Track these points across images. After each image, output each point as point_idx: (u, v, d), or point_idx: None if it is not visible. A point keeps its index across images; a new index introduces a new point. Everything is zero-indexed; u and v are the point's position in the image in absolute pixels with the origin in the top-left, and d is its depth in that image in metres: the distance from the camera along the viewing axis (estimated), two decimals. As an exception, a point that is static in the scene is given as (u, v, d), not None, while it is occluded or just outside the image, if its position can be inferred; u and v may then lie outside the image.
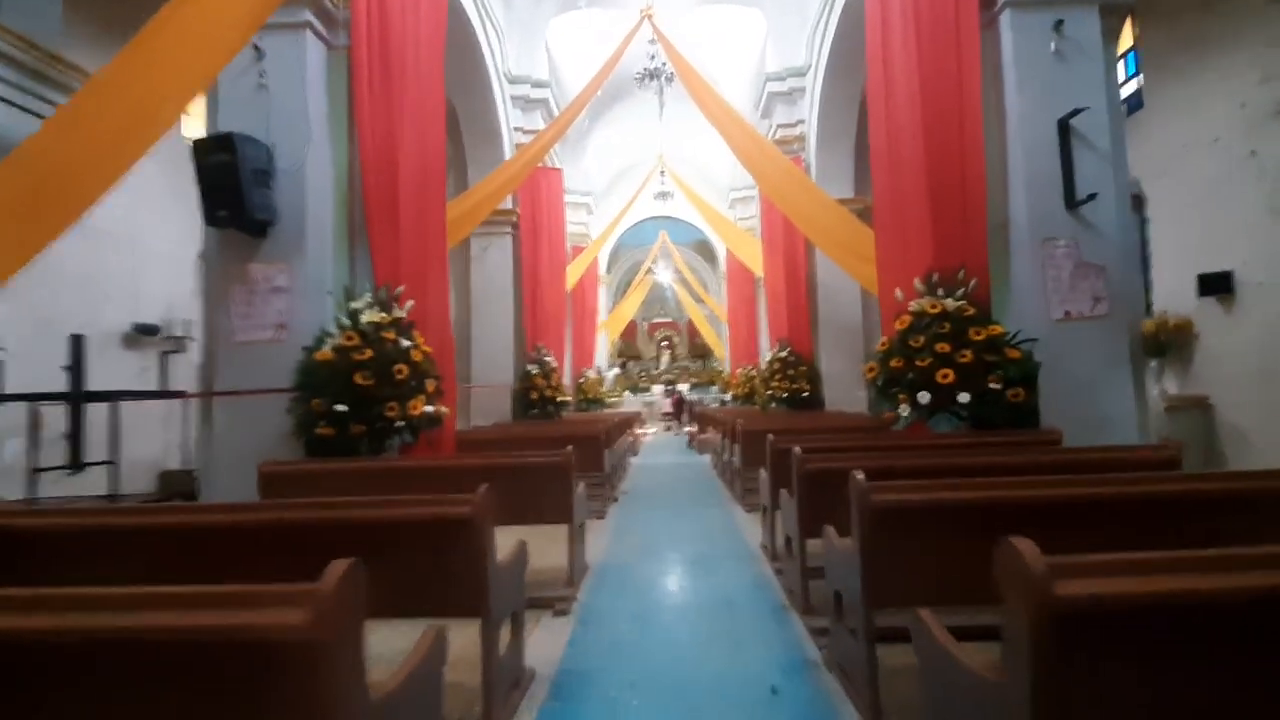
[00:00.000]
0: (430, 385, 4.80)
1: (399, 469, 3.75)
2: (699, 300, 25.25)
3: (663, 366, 27.15)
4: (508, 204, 10.54)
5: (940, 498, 2.08)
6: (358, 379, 4.43)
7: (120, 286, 7.25)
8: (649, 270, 23.48)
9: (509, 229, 10.58)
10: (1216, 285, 6.96)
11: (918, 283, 4.88)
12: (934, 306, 4.69)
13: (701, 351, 26.82)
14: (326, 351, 4.51)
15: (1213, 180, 7.08)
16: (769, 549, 4.27)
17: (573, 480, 3.71)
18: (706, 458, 11.10)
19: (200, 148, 4.38)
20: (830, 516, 3.06)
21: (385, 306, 4.81)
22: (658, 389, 24.70)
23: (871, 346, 10.91)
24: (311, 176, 4.80)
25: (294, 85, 4.81)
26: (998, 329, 4.58)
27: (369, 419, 4.45)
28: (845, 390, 10.21)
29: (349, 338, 4.54)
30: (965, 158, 4.88)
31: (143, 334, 7.27)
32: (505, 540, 2.60)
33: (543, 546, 4.31)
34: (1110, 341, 4.51)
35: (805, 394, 10.20)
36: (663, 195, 16.04)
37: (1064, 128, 4.63)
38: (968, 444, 3.92)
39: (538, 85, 10.94)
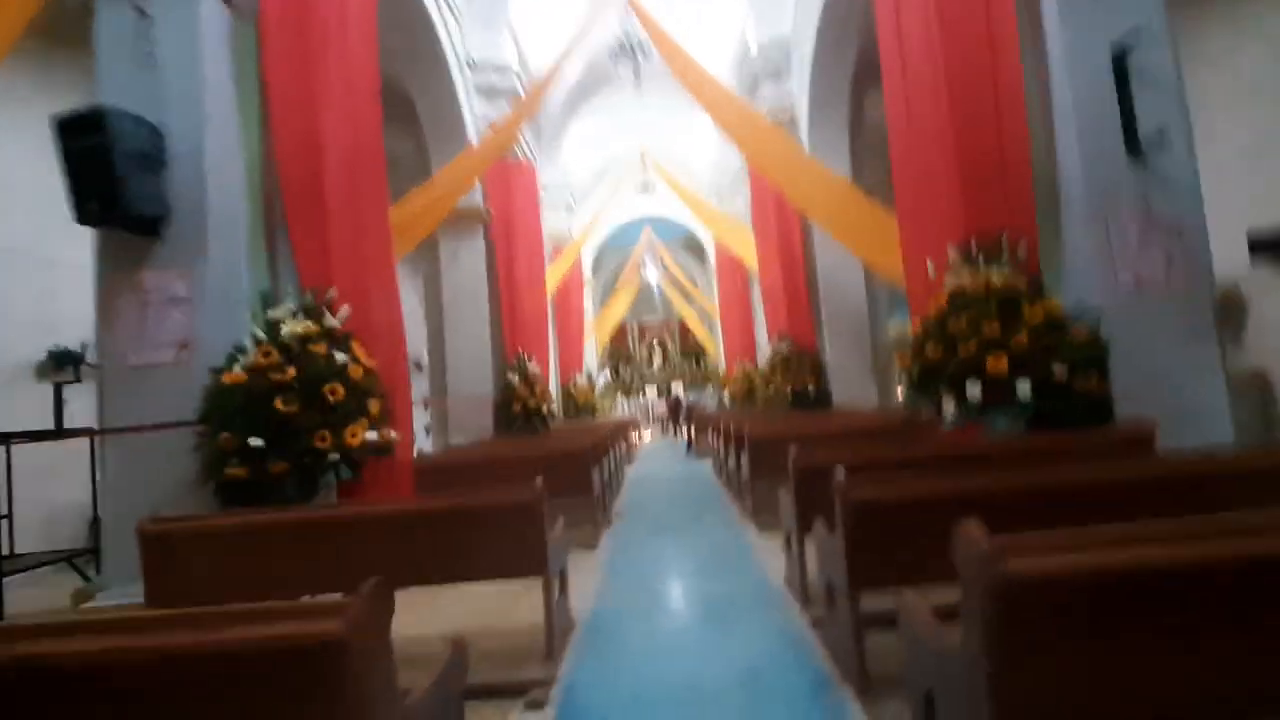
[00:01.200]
0: (374, 406, 3.95)
1: (322, 522, 2.91)
2: (689, 299, 24.48)
3: (655, 368, 26.33)
4: (478, 202, 9.71)
5: (1120, 564, 1.25)
6: (278, 404, 3.58)
7: (31, 310, 6.36)
8: (636, 268, 22.68)
9: (480, 229, 9.73)
10: (1269, 246, 6.20)
11: (953, 253, 4.09)
12: (977, 281, 3.89)
13: (695, 350, 26.03)
14: (237, 373, 3.65)
15: (1259, 133, 6.33)
16: (796, 587, 3.45)
17: (546, 521, 2.87)
18: (707, 463, 10.29)
19: (64, 128, 3.52)
20: (892, 563, 2.24)
21: (313, 314, 3.96)
22: (651, 391, 23.86)
23: (880, 336, 10.15)
24: (214, 164, 3.95)
25: (188, 56, 3.96)
26: (1055, 304, 3.79)
27: (294, 454, 3.59)
28: (854, 384, 9.43)
29: (265, 354, 3.69)
30: (1001, 100, 4.10)
31: (61, 363, 6.37)
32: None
33: (515, 600, 3.47)
34: (1191, 314, 3.72)
35: (811, 390, 9.41)
36: (646, 188, 15.23)
37: (1120, 60, 3.85)
38: (1052, 449, 3.12)
39: (502, 70, 10.11)
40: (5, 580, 4.75)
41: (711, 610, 3.42)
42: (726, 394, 17.23)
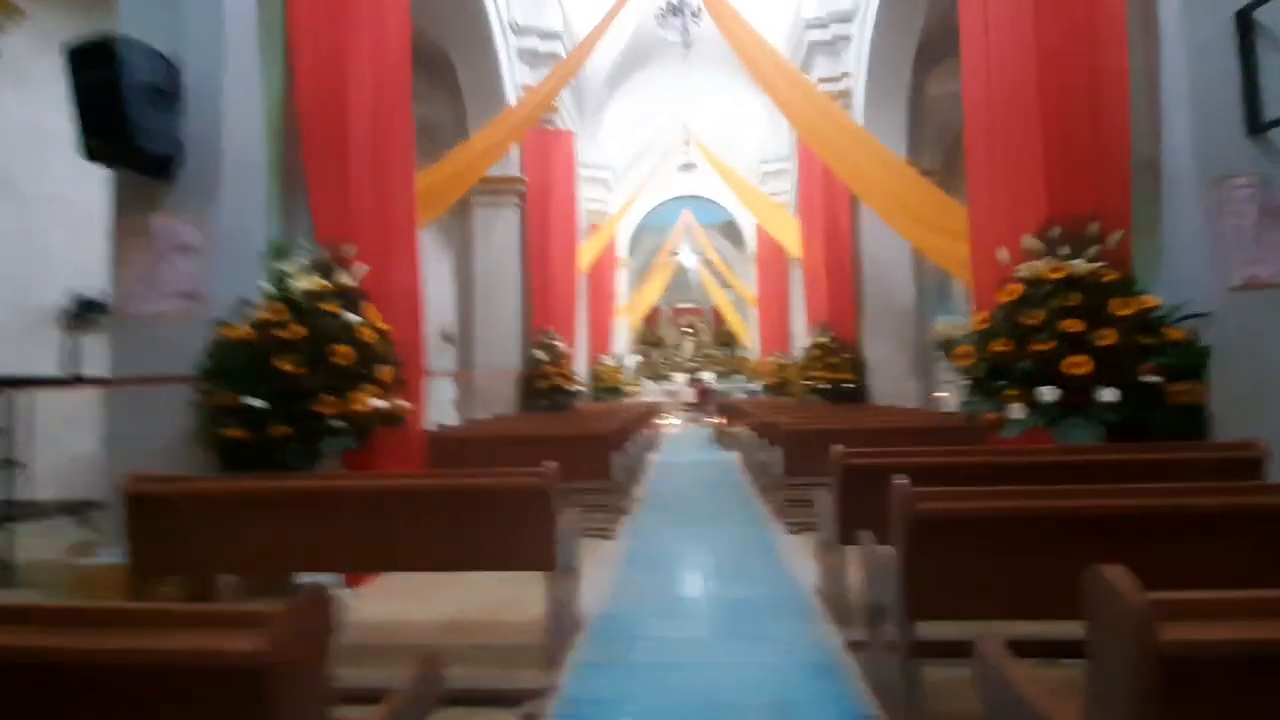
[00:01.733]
0: (384, 373, 3.70)
1: (313, 493, 2.66)
2: (725, 285, 23.94)
3: (686, 354, 25.92)
4: (514, 171, 9.42)
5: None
6: (282, 364, 3.35)
7: (67, 260, 6.30)
8: (672, 253, 22.22)
9: (515, 199, 9.46)
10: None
11: (1030, 239, 3.63)
12: (1057, 270, 3.44)
13: (727, 339, 25.51)
14: (242, 327, 3.43)
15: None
16: (832, 602, 3.10)
17: (555, 510, 2.57)
18: (734, 454, 9.92)
19: (75, 59, 3.30)
20: (960, 590, 1.89)
21: (326, 271, 3.71)
22: (681, 378, 23.49)
23: (925, 332, 9.61)
24: (233, 105, 3.71)
25: (210, -17, 3.71)
26: (1151, 300, 3.32)
27: (297, 418, 3.36)
28: (894, 380, 8.94)
29: (274, 310, 3.46)
30: (1099, 65, 3.61)
31: (84, 311, 6.30)
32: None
33: (523, 588, 3.19)
34: (1314, 319, 3.22)
35: (849, 385, 8.95)
36: (687, 167, 14.80)
37: (1245, 20, 3.32)
38: (1139, 465, 2.69)
39: (548, 37, 9.75)
40: (21, 528, 4.70)
41: (734, 620, 3.10)
42: (759, 384, 16.80)
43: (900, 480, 1.99)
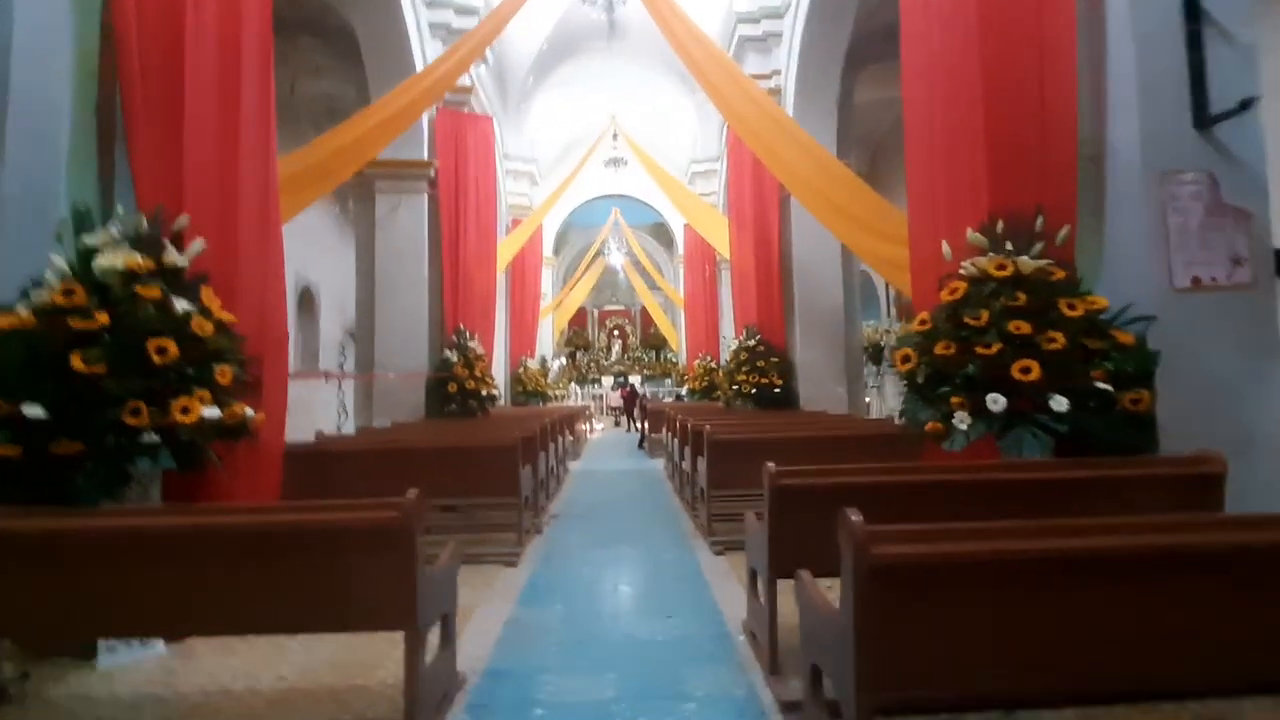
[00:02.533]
0: (224, 375, 2.98)
1: (89, 534, 1.97)
2: (654, 287, 23.64)
3: (614, 357, 25.46)
4: (423, 154, 8.65)
5: None
6: (75, 361, 2.59)
7: None
8: (600, 253, 21.72)
9: (424, 184, 8.68)
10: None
11: (974, 234, 3.34)
12: (1002, 267, 3.15)
13: (656, 342, 25.24)
14: (19, 314, 2.65)
15: None
16: (762, 646, 2.65)
17: (415, 551, 2.00)
18: (660, 463, 9.50)
19: None
20: (933, 656, 1.47)
21: (147, 245, 2.96)
22: (608, 381, 23.00)
23: (854, 336, 9.52)
24: (27, 39, 2.92)
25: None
26: (1100, 301, 3.07)
27: (93, 431, 2.61)
28: (822, 385, 8.76)
29: (66, 291, 2.69)
30: (1045, 53, 3.36)
31: None
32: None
33: (387, 645, 2.57)
34: (1257, 322, 3.06)
35: (777, 389, 8.70)
36: (615, 162, 14.35)
37: (1193, 9, 3.14)
38: (1108, 478, 2.39)
39: (464, 12, 9.03)
40: None
41: (649, 672, 2.60)
42: (685, 388, 16.52)
43: (853, 516, 1.54)
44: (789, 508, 2.41)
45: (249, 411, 3.07)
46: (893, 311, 13.26)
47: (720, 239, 10.99)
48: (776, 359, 8.85)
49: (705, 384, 14.62)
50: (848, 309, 9.05)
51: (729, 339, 9.60)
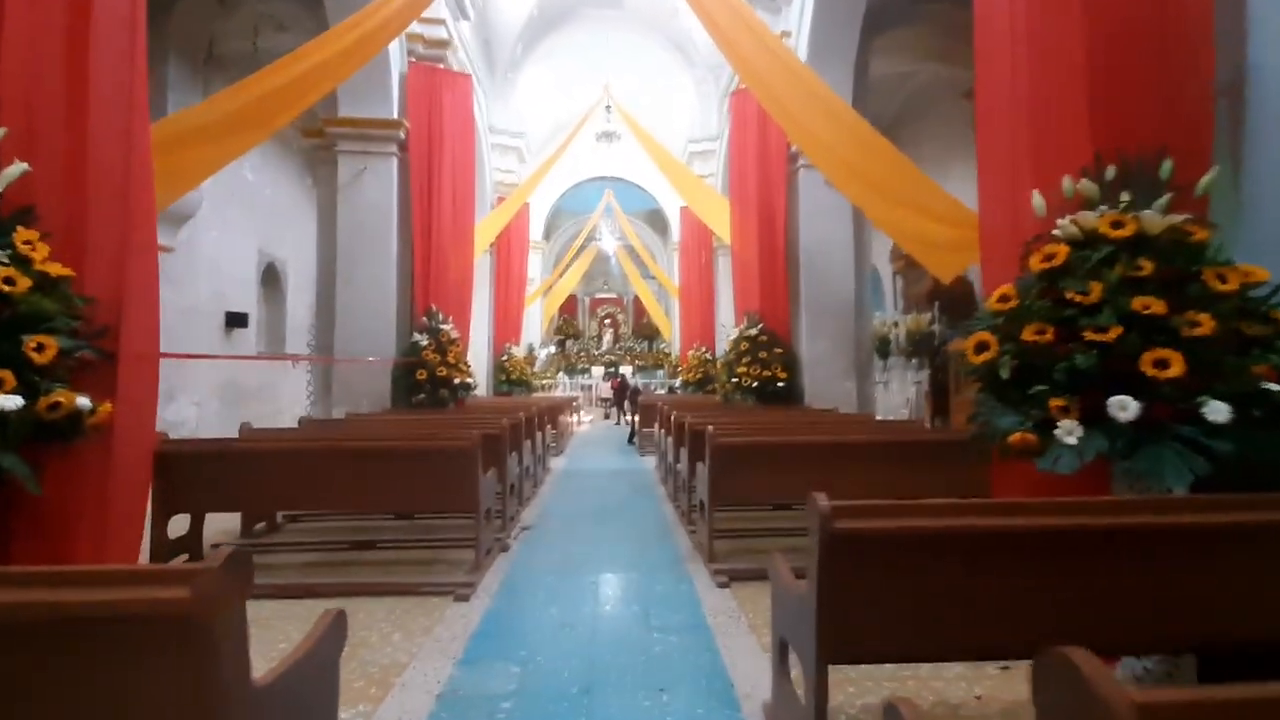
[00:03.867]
0: (44, 350, 2.12)
1: None
2: (648, 277, 22.78)
3: (604, 347, 24.60)
4: (392, 112, 7.73)
5: None
6: None
7: None
8: (592, 238, 20.82)
9: (393, 148, 7.77)
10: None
11: (1076, 183, 2.52)
12: (1119, 225, 2.33)
13: (648, 332, 24.40)
14: None
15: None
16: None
17: (228, 647, 1.15)
18: (651, 461, 8.68)
19: None
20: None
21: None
22: (598, 371, 22.15)
23: (865, 327, 8.73)
24: None
25: None
26: (1260, 273, 2.26)
27: None
28: (830, 380, 7.97)
29: None
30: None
31: None
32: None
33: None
34: None
35: (780, 383, 7.89)
36: (608, 136, 13.42)
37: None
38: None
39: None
40: None
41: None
42: (679, 380, 15.72)
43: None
44: (850, 562, 1.58)
45: (82, 401, 2.20)
46: (899, 304, 12.50)
47: (719, 221, 10.15)
48: (780, 350, 8.04)
49: (700, 376, 13.83)
50: (859, 298, 8.25)
51: (728, 327, 8.78)
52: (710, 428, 3.77)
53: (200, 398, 9.31)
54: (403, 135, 7.74)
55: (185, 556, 3.84)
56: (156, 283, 2.68)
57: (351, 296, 7.61)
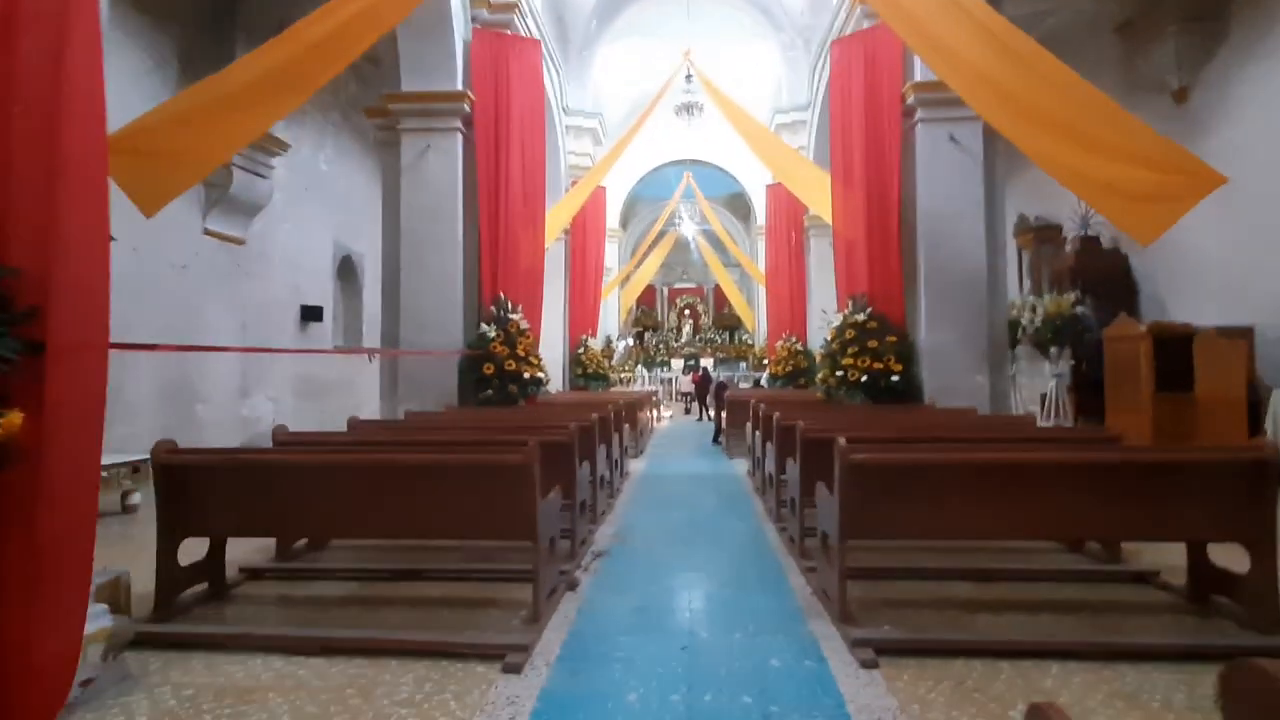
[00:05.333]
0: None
1: None
2: (729, 264, 21.64)
3: (684, 338, 23.67)
4: (455, 84, 7.12)
5: None
6: None
7: None
8: (671, 223, 19.91)
9: (457, 122, 7.17)
10: None
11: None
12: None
13: (730, 322, 23.27)
14: None
15: None
16: None
17: None
18: (740, 465, 7.73)
19: None
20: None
21: None
22: (678, 364, 21.27)
23: (999, 310, 7.37)
24: None
25: None
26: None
27: None
28: (955, 373, 6.72)
29: None
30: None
31: None
32: None
33: None
34: None
35: (895, 377, 6.71)
36: (688, 108, 12.45)
37: None
38: None
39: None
40: None
41: None
42: (765, 373, 14.59)
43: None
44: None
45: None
46: (1025, 284, 10.84)
47: (816, 195, 8.98)
48: (894, 339, 6.84)
49: (790, 369, 12.67)
50: (991, 276, 6.94)
51: (829, 313, 7.65)
52: (841, 440, 2.79)
53: (276, 393, 9.17)
54: (467, 109, 7.12)
55: (205, 587, 3.29)
56: (106, 263, 2.02)
57: (417, 285, 7.08)
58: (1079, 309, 8.42)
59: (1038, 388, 9.17)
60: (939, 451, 2.86)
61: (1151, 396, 6.68)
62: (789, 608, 3.08)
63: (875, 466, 2.75)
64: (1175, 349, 6.70)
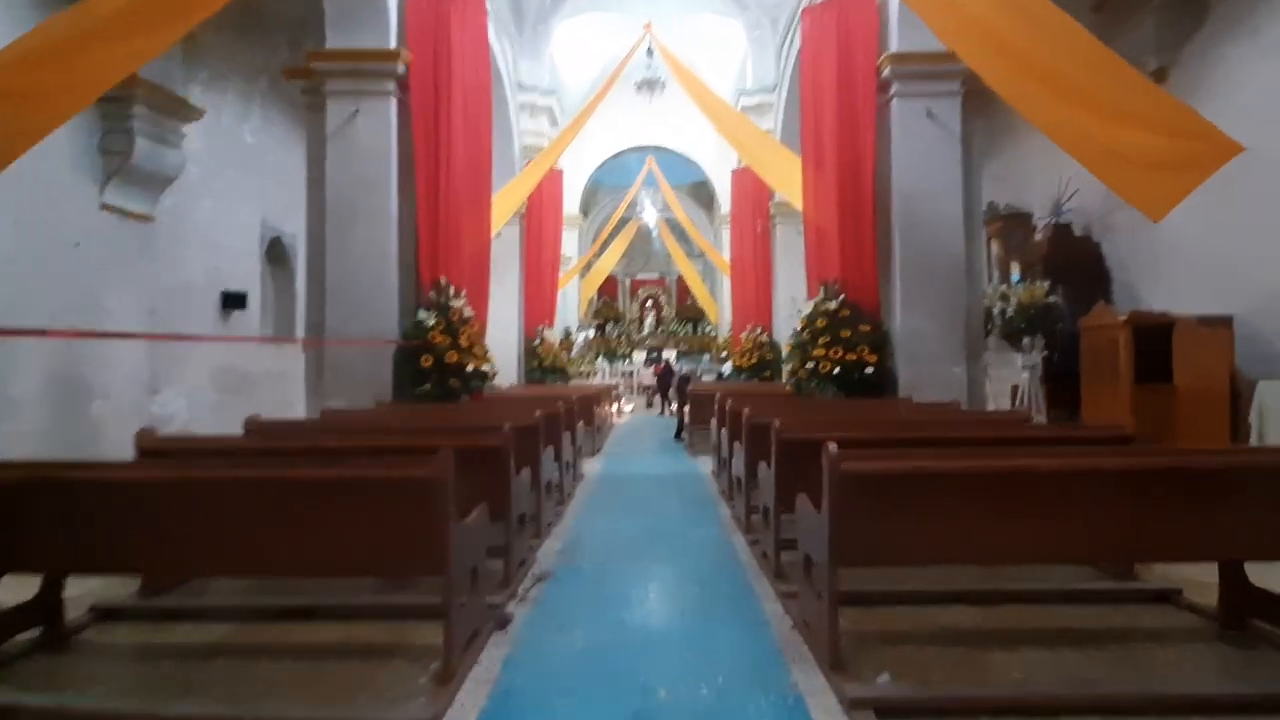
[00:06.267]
0: None
1: None
2: (693, 254, 21.15)
3: (647, 330, 23.12)
4: (388, 41, 6.37)
5: None
6: None
7: None
8: (633, 211, 19.30)
9: (390, 84, 6.41)
10: None
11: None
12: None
13: (692, 314, 22.78)
14: None
15: None
16: None
17: None
18: (704, 464, 7.21)
19: None
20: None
21: None
22: (639, 356, 20.71)
23: (977, 298, 6.98)
24: None
25: None
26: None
27: None
28: (932, 364, 6.33)
29: None
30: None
31: None
32: None
33: None
34: None
35: (869, 368, 6.26)
36: (649, 84, 11.84)
37: None
38: None
39: None
40: None
41: None
42: (728, 365, 14.14)
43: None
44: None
45: None
46: (995, 274, 10.60)
47: (784, 178, 8.50)
48: (868, 328, 6.40)
49: (755, 360, 12.23)
50: (970, 260, 6.58)
51: (799, 301, 7.17)
52: (831, 446, 2.25)
53: (192, 388, 8.25)
54: (402, 69, 6.36)
55: (38, 633, 2.58)
56: None
57: (344, 266, 6.32)
58: (1052, 298, 8.15)
59: (1006, 380, 8.90)
60: (951, 458, 2.34)
61: (1131, 388, 6.40)
62: (765, 647, 2.53)
63: (875, 477, 2.22)
64: (1152, 338, 6.44)
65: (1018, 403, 8.25)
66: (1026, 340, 8.08)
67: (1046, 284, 8.19)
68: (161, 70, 6.96)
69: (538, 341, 12.36)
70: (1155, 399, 6.35)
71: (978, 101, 6.65)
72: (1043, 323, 8.05)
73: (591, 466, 7.13)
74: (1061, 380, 7.91)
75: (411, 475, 2.15)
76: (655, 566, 3.62)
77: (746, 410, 4.09)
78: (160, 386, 7.78)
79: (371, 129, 6.31)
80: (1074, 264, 8.54)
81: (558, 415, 4.82)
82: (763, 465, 3.57)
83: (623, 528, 4.47)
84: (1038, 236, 9.46)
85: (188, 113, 7.46)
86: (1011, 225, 9.97)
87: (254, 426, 3.90)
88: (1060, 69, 3.57)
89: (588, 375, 16.82)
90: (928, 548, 2.29)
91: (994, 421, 4.26)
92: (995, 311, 8.46)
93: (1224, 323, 6.35)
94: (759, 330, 12.47)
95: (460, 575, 2.29)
